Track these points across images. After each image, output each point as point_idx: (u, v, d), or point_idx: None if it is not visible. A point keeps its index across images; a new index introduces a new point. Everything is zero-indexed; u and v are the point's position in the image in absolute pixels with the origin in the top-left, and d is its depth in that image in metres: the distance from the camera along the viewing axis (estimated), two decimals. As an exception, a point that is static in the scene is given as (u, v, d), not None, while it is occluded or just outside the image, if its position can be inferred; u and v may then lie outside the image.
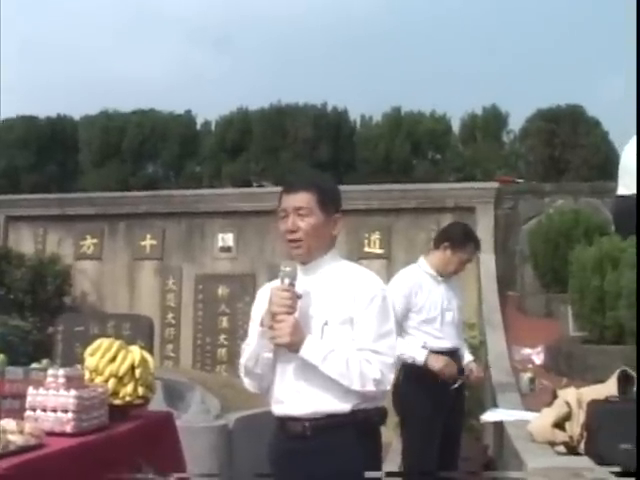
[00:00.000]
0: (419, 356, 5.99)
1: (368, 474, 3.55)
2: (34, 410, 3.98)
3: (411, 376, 5.94)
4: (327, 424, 3.56)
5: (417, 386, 5.96)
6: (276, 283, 3.66)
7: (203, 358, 13.18)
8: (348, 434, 3.56)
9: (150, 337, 10.63)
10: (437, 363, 6.02)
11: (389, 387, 3.64)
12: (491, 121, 16.81)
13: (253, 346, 3.69)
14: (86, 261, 14.26)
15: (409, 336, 6.09)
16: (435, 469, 5.84)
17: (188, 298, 13.57)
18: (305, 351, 3.52)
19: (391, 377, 3.62)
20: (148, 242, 13.97)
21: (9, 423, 3.62)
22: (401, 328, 5.89)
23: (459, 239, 6.32)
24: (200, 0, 37.53)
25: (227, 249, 13.61)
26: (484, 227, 12.50)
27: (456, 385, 6.22)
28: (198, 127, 18.16)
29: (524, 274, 13.01)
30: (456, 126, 17.15)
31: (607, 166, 14.51)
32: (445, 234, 6.47)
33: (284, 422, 3.68)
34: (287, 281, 3.57)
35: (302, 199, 3.67)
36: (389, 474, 4.38)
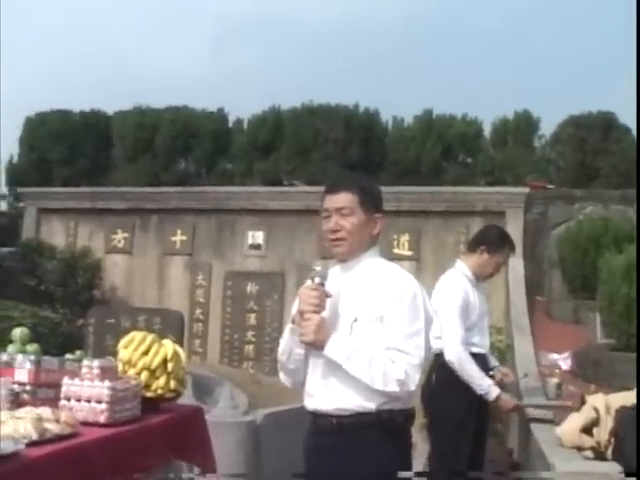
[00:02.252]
0: (492, 393, 5.97)
1: (400, 474, 3.58)
2: (68, 400, 4.04)
3: (444, 377, 5.92)
4: (353, 422, 3.60)
5: (451, 388, 5.94)
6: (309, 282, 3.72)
7: (230, 354, 13.24)
8: (373, 434, 3.59)
9: (180, 332, 10.73)
10: (507, 406, 6.05)
11: (414, 388, 3.62)
12: (522, 126, 16.75)
13: (286, 341, 3.77)
14: (117, 255, 14.38)
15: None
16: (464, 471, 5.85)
17: (217, 294, 13.64)
18: (329, 349, 3.57)
19: (417, 378, 3.62)
20: (178, 238, 14.06)
21: (45, 411, 3.67)
22: (467, 336, 5.90)
23: (496, 242, 6.28)
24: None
25: (257, 247, 13.68)
26: (513, 232, 12.39)
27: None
28: (230, 125, 18.21)
29: (552, 279, 12.99)
30: (487, 130, 17.12)
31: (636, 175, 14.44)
32: (481, 237, 6.41)
33: (315, 417, 3.74)
34: (317, 280, 3.63)
35: (344, 199, 3.75)
36: (417, 474, 4.39)
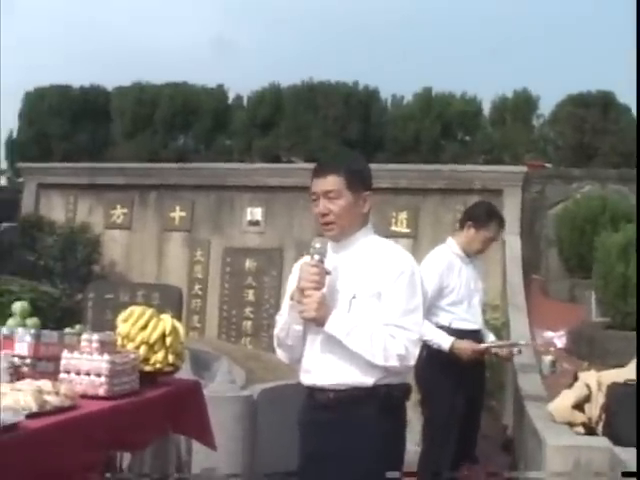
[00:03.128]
0: (445, 343, 6.03)
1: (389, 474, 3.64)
2: (68, 373, 4.09)
3: (433, 355, 5.97)
4: (350, 396, 3.64)
5: (440, 365, 5.99)
6: (308, 258, 3.76)
7: (228, 330, 13.30)
8: (370, 408, 3.63)
9: (179, 307, 10.77)
10: (464, 353, 6.09)
11: (413, 362, 3.68)
12: (521, 105, 16.78)
13: (285, 318, 3.79)
14: (116, 230, 14.40)
15: (435, 317, 6.13)
16: (456, 448, 5.91)
17: (215, 270, 13.69)
18: (330, 326, 3.61)
19: (416, 352, 3.67)
20: (177, 214, 14.09)
21: (45, 384, 3.73)
22: (429, 309, 5.93)
23: (482, 217, 6.36)
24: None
25: (255, 223, 13.70)
26: (511, 210, 12.52)
27: None
28: (230, 101, 18.22)
29: (549, 258, 13.05)
30: (487, 108, 17.15)
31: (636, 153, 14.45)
32: (468, 213, 6.50)
33: (312, 391, 3.77)
34: (317, 257, 3.65)
35: (331, 183, 3.74)
36: (408, 474, 4.43)
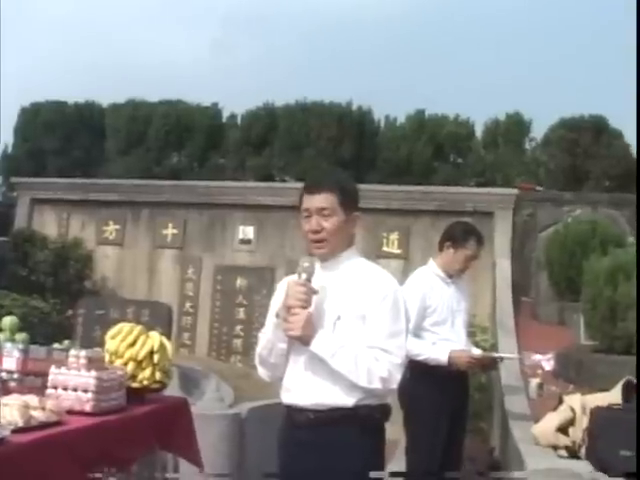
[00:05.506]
0: (442, 356, 6.07)
1: (372, 474, 3.66)
2: (55, 388, 4.12)
3: (417, 371, 5.99)
4: (330, 416, 3.65)
5: (424, 381, 6.02)
6: (295, 277, 3.78)
7: (218, 348, 13.31)
8: (350, 428, 3.65)
9: (168, 324, 10.80)
10: (461, 362, 6.13)
11: (395, 386, 3.71)
12: (514, 128, 16.85)
13: (268, 335, 3.80)
14: (108, 246, 14.41)
15: (420, 338, 6.16)
16: (439, 466, 5.93)
17: (206, 288, 13.69)
18: (316, 345, 3.63)
19: (398, 376, 3.69)
20: (170, 231, 14.10)
21: (32, 399, 3.75)
22: (413, 331, 5.96)
23: (460, 236, 6.41)
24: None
25: (247, 242, 13.73)
26: (502, 232, 12.57)
27: None
28: (224, 120, 18.27)
29: (539, 281, 13.09)
30: (479, 131, 17.22)
31: (627, 178, 14.51)
32: (446, 234, 6.55)
33: (291, 411, 3.79)
34: (304, 276, 3.68)
35: (325, 200, 3.76)
36: (393, 474, 4.47)
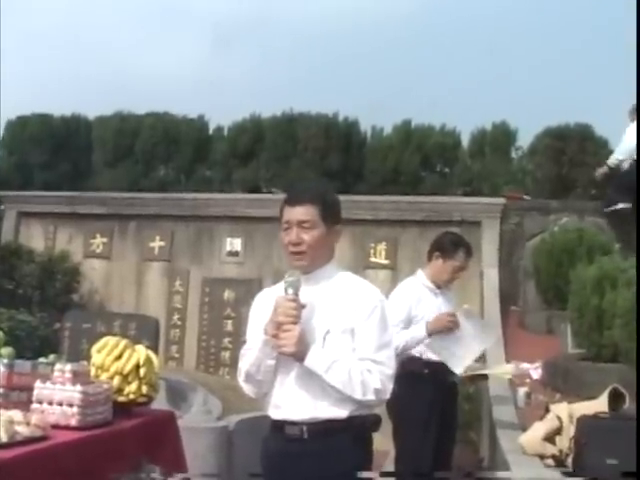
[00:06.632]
0: (420, 333, 6.09)
1: (363, 474, 3.66)
2: (40, 403, 4.12)
3: (405, 379, 5.99)
4: (324, 428, 3.67)
5: (413, 392, 6.04)
6: (276, 289, 3.77)
7: (207, 360, 13.28)
8: (344, 439, 3.67)
9: (155, 337, 10.76)
10: (440, 325, 6.14)
11: (388, 396, 3.74)
12: (500, 137, 16.83)
13: (256, 353, 3.77)
14: (95, 259, 14.38)
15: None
16: (429, 472, 5.93)
17: (194, 300, 13.68)
18: (310, 361, 3.63)
19: (390, 387, 3.73)
20: (157, 243, 14.09)
21: (17, 414, 3.75)
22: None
23: (448, 247, 6.46)
24: (214, 3, 37.62)
25: (235, 254, 13.72)
26: (489, 242, 12.60)
27: None
28: (210, 132, 18.24)
29: (527, 290, 13.08)
30: (465, 141, 17.21)
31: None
32: (435, 245, 6.60)
33: (282, 425, 3.78)
34: (291, 291, 3.67)
35: (306, 212, 3.76)
36: (384, 474, 4.48)
